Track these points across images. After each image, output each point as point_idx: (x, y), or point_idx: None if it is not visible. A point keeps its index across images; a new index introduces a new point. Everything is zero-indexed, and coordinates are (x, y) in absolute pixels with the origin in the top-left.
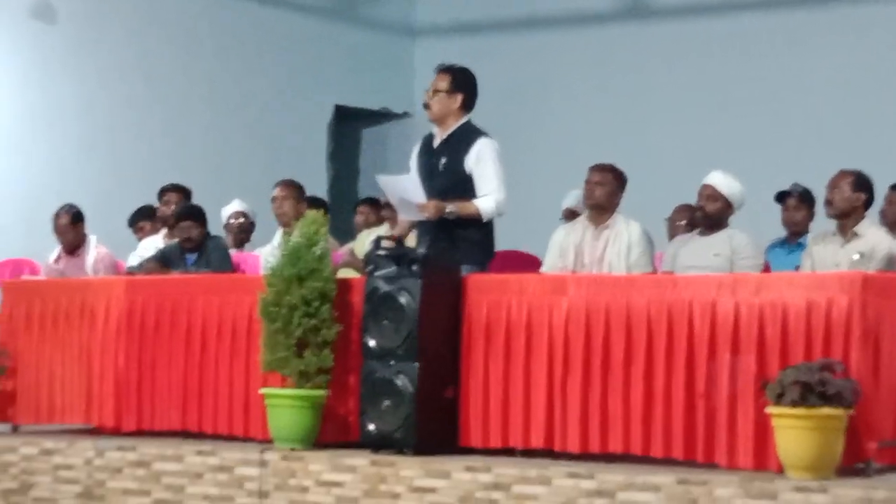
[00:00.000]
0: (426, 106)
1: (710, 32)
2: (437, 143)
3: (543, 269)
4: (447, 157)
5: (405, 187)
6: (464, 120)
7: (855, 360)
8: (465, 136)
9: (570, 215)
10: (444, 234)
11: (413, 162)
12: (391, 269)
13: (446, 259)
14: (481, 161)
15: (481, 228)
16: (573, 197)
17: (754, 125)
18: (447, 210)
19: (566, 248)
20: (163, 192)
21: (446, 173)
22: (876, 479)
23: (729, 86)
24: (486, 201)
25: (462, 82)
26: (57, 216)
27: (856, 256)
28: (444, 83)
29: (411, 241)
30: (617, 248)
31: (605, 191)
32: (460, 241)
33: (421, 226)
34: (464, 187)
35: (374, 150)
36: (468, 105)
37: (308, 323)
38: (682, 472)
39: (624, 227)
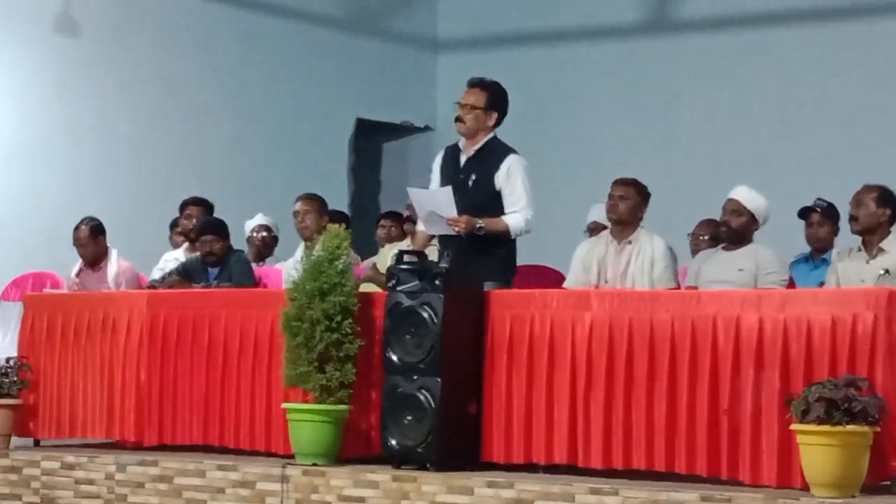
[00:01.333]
0: (459, 119)
1: (734, 46)
2: (464, 158)
3: (566, 284)
4: (477, 173)
5: (438, 200)
6: (491, 135)
7: (881, 376)
8: (494, 153)
9: (597, 229)
10: (468, 249)
11: (435, 173)
12: (413, 284)
13: (469, 274)
14: (511, 178)
15: (505, 244)
16: (598, 210)
17: (779, 140)
18: (477, 225)
19: (589, 264)
20: (184, 205)
21: (476, 190)
22: None
23: (753, 100)
24: (515, 218)
25: (498, 100)
26: (77, 229)
27: (881, 272)
28: (480, 100)
29: (433, 254)
30: (640, 263)
31: (629, 205)
32: (483, 256)
33: (443, 240)
34: (493, 204)
35: (396, 164)
36: (500, 122)
37: (330, 337)
38: (706, 489)
39: (647, 242)
